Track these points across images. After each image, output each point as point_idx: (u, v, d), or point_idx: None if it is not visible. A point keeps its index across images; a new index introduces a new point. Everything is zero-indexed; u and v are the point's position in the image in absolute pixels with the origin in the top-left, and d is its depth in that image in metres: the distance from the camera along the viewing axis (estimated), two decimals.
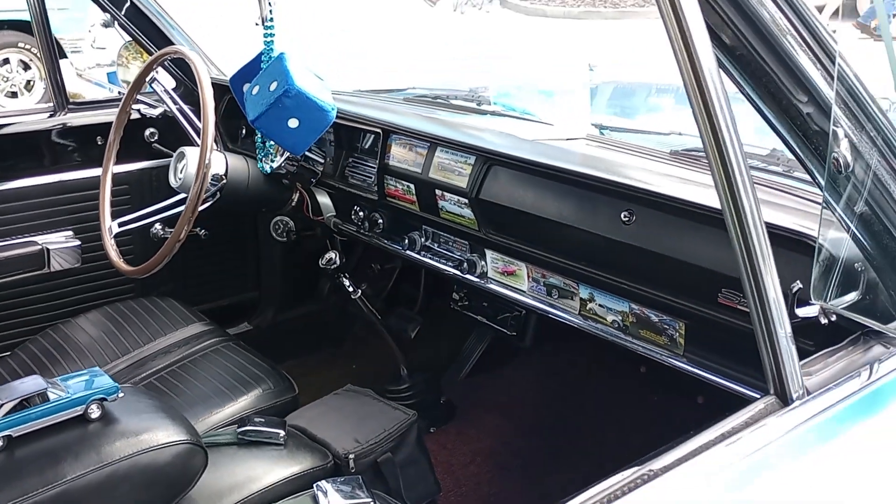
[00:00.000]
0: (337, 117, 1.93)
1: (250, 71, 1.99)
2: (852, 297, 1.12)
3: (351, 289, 2.27)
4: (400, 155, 2.00)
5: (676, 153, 1.73)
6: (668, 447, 0.88)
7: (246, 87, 1.92)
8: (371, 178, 2.09)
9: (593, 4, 11.74)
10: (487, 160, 1.80)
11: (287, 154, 2.08)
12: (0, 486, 1.33)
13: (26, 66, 6.64)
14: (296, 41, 2.02)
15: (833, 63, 0.96)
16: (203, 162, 1.85)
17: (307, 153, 2.10)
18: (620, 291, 1.61)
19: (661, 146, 1.79)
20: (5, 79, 6.57)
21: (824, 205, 1.08)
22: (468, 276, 1.92)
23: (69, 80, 7.34)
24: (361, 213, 2.15)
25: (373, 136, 2.11)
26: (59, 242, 2.30)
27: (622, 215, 1.55)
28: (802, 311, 1.12)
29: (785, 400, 0.93)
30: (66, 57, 6.73)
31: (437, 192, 1.91)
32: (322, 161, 2.18)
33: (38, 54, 6.66)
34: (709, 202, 1.40)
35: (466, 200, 1.83)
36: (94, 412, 1.47)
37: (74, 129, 2.37)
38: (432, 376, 2.48)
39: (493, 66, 8.11)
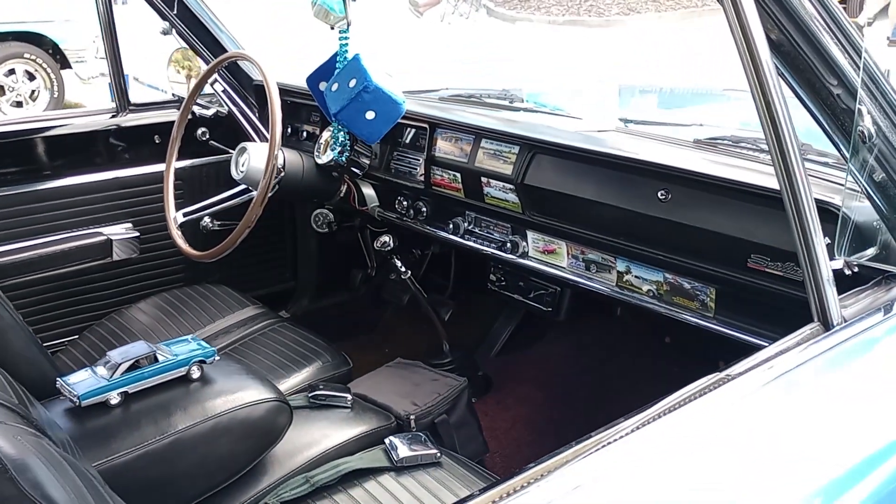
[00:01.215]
0: None
1: (325, 71, 2.15)
2: (871, 251, 1.32)
3: (403, 269, 2.42)
4: (446, 147, 2.16)
5: (699, 141, 1.89)
6: (735, 360, 1.08)
7: (322, 85, 2.09)
8: (416, 169, 2.23)
9: (577, 13, 11.97)
10: (531, 148, 1.95)
11: (341, 147, 2.25)
12: (123, 434, 1.50)
13: (31, 77, 6.73)
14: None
15: (859, 55, 1.16)
16: (272, 154, 2.02)
17: (356, 147, 2.28)
18: (656, 262, 1.78)
19: (685, 136, 1.98)
20: (11, 88, 6.67)
21: (848, 173, 1.29)
22: (510, 256, 2.08)
23: (73, 88, 7.39)
24: (406, 203, 2.30)
25: (415, 130, 2.25)
26: (120, 234, 2.44)
27: (659, 193, 1.71)
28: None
29: (827, 326, 1.13)
30: (70, 67, 6.83)
31: (483, 179, 2.06)
32: (369, 155, 2.34)
33: (44, 65, 6.78)
34: (740, 178, 1.58)
35: (512, 186, 1.99)
36: (195, 373, 1.64)
37: (134, 128, 2.51)
38: (468, 353, 2.64)
39: (496, 69, 8.30)
